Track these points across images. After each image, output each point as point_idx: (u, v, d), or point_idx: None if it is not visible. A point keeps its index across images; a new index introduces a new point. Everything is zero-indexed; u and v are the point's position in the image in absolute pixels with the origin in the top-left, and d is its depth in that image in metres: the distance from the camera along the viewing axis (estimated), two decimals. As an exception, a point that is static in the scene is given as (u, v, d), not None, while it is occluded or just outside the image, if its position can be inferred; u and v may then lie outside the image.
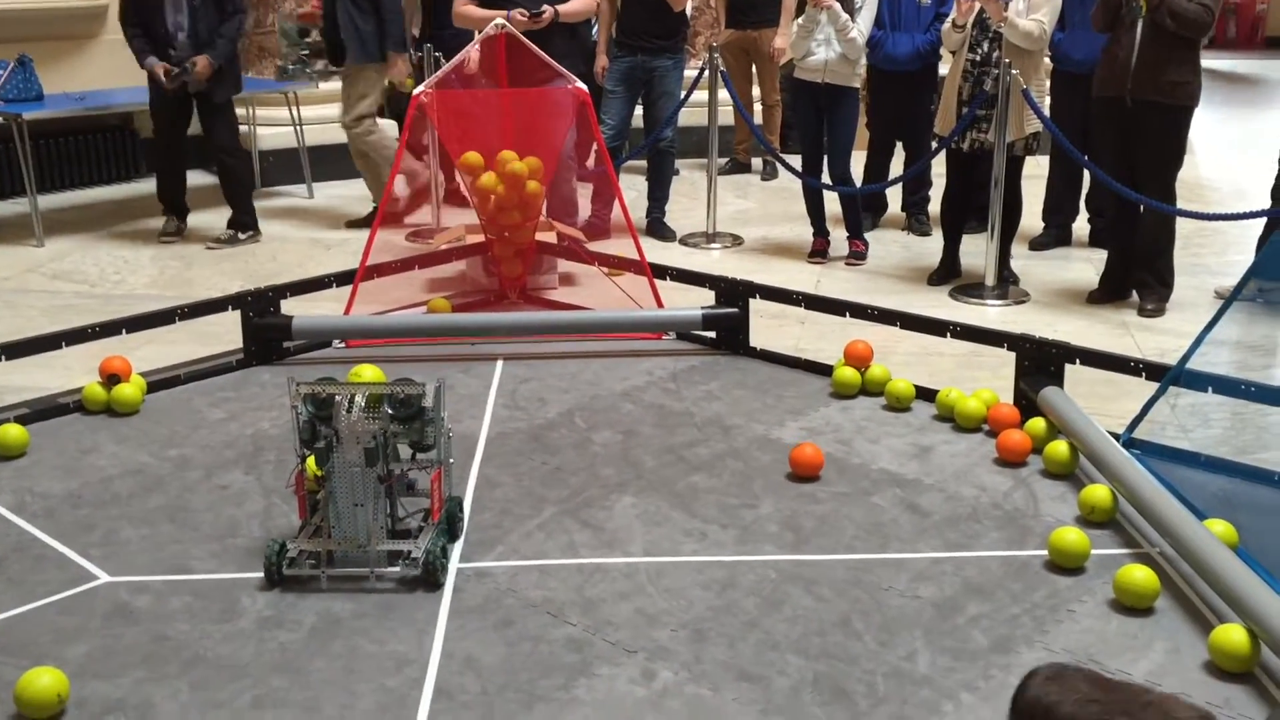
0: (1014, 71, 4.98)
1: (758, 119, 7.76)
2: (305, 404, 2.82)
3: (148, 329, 4.22)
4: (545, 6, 5.49)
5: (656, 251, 5.72)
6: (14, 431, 3.60)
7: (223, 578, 2.91)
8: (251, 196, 6.37)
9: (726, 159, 7.75)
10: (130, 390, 3.92)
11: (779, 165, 6.82)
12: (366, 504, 2.81)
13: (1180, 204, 5.02)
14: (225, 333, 4.44)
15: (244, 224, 6.23)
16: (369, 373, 3.70)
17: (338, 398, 2.80)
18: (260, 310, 4.32)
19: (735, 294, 4.46)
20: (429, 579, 2.83)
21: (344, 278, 4.72)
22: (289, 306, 4.46)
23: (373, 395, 2.82)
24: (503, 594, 2.83)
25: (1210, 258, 5.68)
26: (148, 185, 6.95)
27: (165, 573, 2.93)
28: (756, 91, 7.85)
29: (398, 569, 2.87)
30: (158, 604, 2.79)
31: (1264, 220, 4.83)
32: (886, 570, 2.93)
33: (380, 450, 2.79)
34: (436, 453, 2.90)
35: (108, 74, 6.95)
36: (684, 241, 6.25)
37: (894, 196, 6.42)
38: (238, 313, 4.31)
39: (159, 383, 4.10)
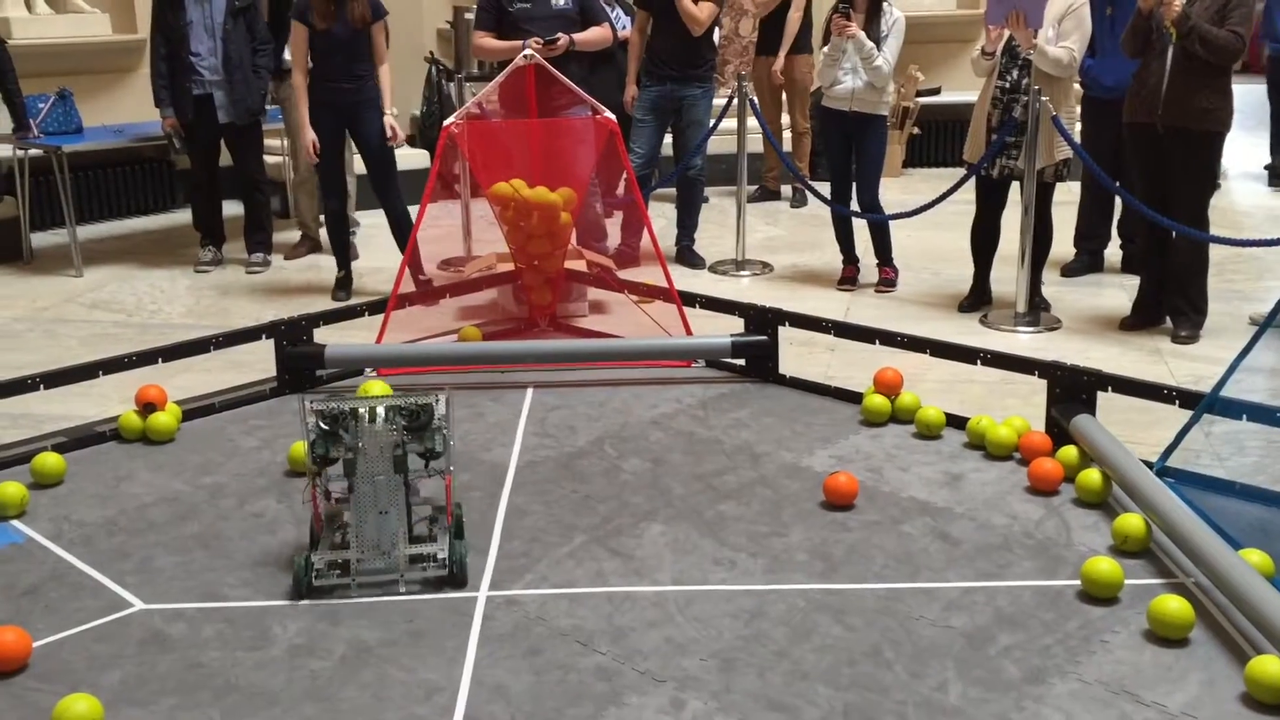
0: (1044, 98, 4.98)
1: (787, 146, 7.82)
2: (318, 421, 2.93)
3: (183, 358, 4.28)
4: (560, 35, 5.55)
5: (686, 279, 5.74)
6: (51, 460, 3.65)
7: (255, 605, 2.93)
8: (272, 226, 6.49)
9: (756, 186, 7.78)
10: (165, 419, 3.96)
11: (808, 192, 6.83)
12: (391, 511, 2.95)
13: (1213, 230, 4.99)
14: (259, 361, 4.49)
15: (267, 246, 6.37)
16: (377, 387, 3.98)
17: (361, 410, 2.93)
18: (293, 339, 4.37)
19: (764, 321, 4.47)
20: (457, 578, 2.97)
21: (376, 306, 4.77)
22: (322, 335, 4.51)
23: (390, 407, 2.96)
24: (532, 622, 2.84)
25: (1244, 284, 5.63)
26: (184, 216, 7.07)
27: (199, 600, 2.96)
28: (786, 119, 7.90)
29: (423, 572, 2.99)
30: (191, 631, 2.82)
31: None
32: (917, 599, 2.91)
33: (405, 459, 2.95)
34: (445, 459, 3.01)
35: (146, 107, 7.08)
36: (713, 269, 6.27)
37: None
38: (271, 341, 4.36)
39: (193, 411, 4.15)
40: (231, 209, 6.61)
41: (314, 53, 5.57)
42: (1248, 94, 8.26)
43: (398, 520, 2.97)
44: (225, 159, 6.44)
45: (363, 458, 2.92)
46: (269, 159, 6.89)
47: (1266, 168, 8.45)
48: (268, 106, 6.48)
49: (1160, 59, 4.79)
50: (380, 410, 2.95)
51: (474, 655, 2.71)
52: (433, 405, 2.98)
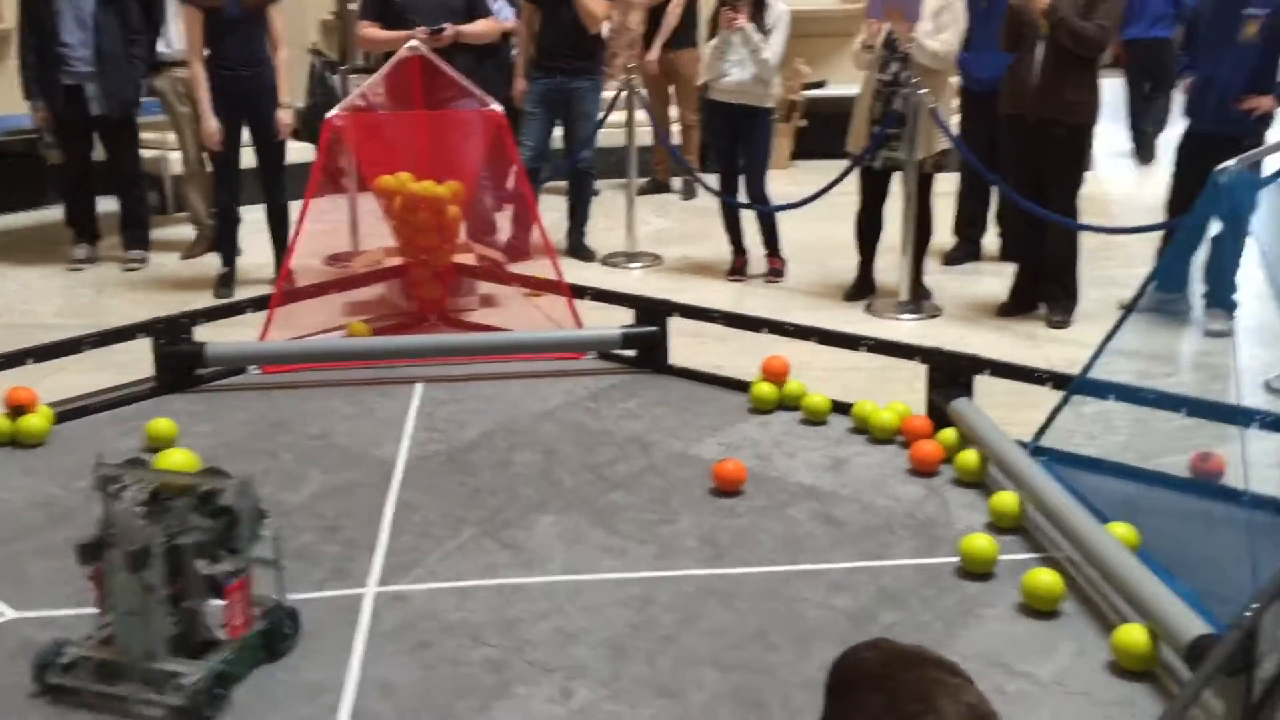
0: (923, 91, 5.10)
1: (677, 139, 7.87)
2: (103, 488, 2.46)
3: (55, 358, 4.14)
4: (446, 25, 5.50)
5: (577, 271, 5.74)
6: (-85, 466, 3.50)
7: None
8: (150, 221, 6.32)
9: (647, 179, 7.82)
10: (37, 421, 3.83)
11: (698, 184, 6.90)
12: (142, 613, 2.43)
13: (1084, 219, 5.17)
14: (137, 361, 4.36)
15: (144, 242, 6.19)
16: (178, 457, 3.42)
17: (110, 488, 2.44)
18: (172, 337, 4.26)
19: (654, 313, 4.50)
20: (193, 713, 2.39)
21: (260, 302, 4.67)
22: (203, 333, 4.40)
23: (169, 486, 2.47)
24: (420, 617, 2.82)
25: (1115, 270, 5.85)
26: (56, 213, 6.82)
27: (72, 607, 2.86)
28: (675, 112, 7.96)
29: (164, 694, 2.42)
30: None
31: (1161, 233, 4.98)
32: (803, 582, 2.97)
33: (147, 553, 2.39)
34: (242, 558, 2.51)
35: (13, 100, 6.81)
36: (605, 261, 6.28)
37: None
38: (148, 340, 4.24)
39: (67, 413, 4.01)
40: (106, 205, 6.41)
41: (208, 37, 5.43)
42: (1115, 88, 8.66)
43: (143, 626, 2.43)
44: (99, 153, 6.23)
45: (113, 544, 2.41)
46: (146, 153, 6.69)
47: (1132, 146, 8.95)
48: (144, 99, 6.29)
49: (1032, 53, 4.95)
50: (132, 491, 2.42)
51: (361, 653, 2.68)
52: (220, 490, 2.47)
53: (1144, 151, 9.07)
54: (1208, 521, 3.16)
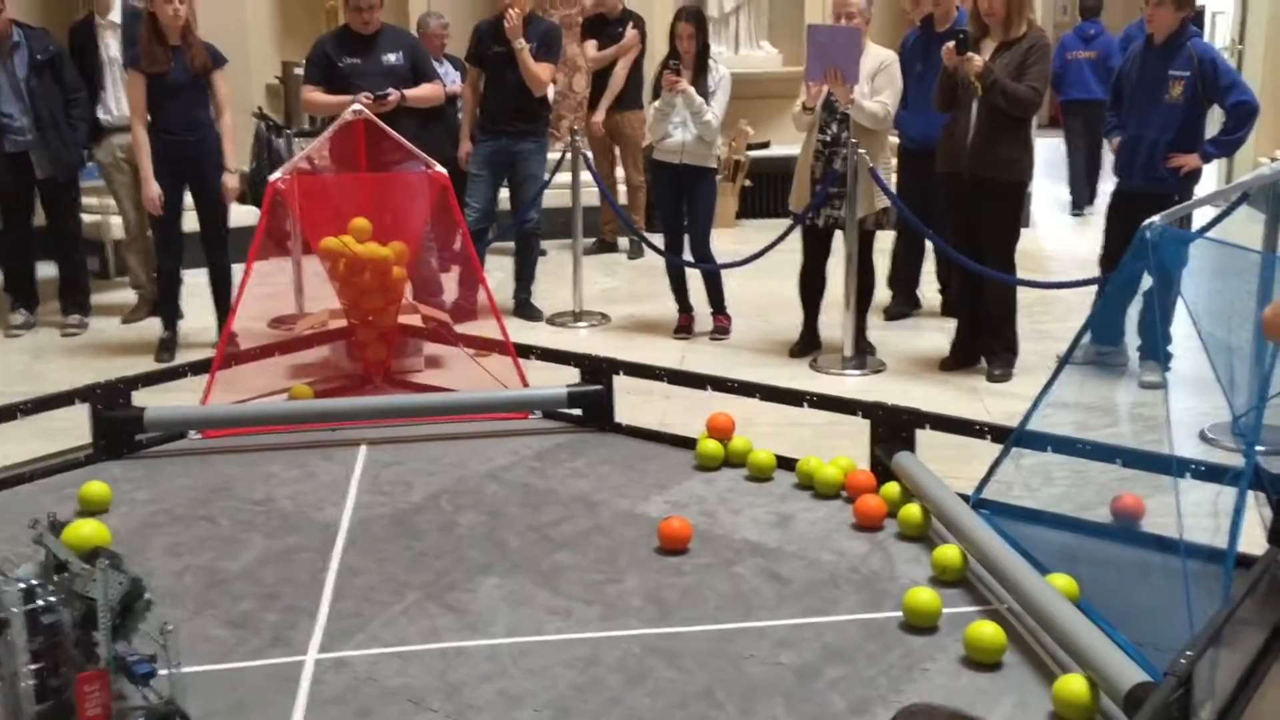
0: (861, 151, 5.21)
1: (622, 199, 7.95)
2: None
3: (-11, 426, 4.06)
4: (391, 90, 5.54)
5: (524, 332, 5.76)
6: None
7: (65, 683, 2.78)
8: (89, 286, 6.26)
9: (593, 239, 7.88)
10: (-30, 490, 3.75)
11: (644, 244, 6.95)
12: (5, 682, 2.32)
13: (1021, 273, 5.28)
14: (75, 428, 4.29)
15: (84, 308, 6.13)
16: (86, 529, 3.30)
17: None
18: (110, 403, 4.20)
19: (599, 371, 4.51)
20: None
21: (200, 366, 4.63)
22: (143, 398, 4.35)
23: (48, 564, 2.37)
24: (362, 683, 2.78)
25: (1052, 324, 5.97)
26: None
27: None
28: (620, 173, 8.05)
29: None
30: (-7, 714, 2.65)
31: (1096, 287, 5.09)
32: (748, 639, 2.96)
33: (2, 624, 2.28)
34: (103, 648, 2.35)
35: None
36: (551, 321, 6.30)
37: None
38: (86, 406, 4.18)
39: (2, 481, 3.93)
40: (45, 270, 6.33)
41: (151, 102, 5.42)
42: (1047, 146, 8.93)
43: (4, 693, 2.32)
44: (39, 218, 6.18)
45: None
46: (87, 217, 6.64)
47: (1071, 209, 9.30)
48: (87, 163, 6.26)
49: (967, 113, 5.08)
50: (8, 563, 2.36)
51: (301, 721, 2.63)
52: (80, 576, 2.34)
53: (1078, 202, 9.56)
54: (1144, 571, 3.20)
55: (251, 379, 4.76)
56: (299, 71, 6.34)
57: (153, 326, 5.95)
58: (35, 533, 2.42)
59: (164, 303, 5.75)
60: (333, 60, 5.67)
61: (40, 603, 2.30)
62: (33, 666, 2.31)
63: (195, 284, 5.94)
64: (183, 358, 5.39)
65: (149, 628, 2.43)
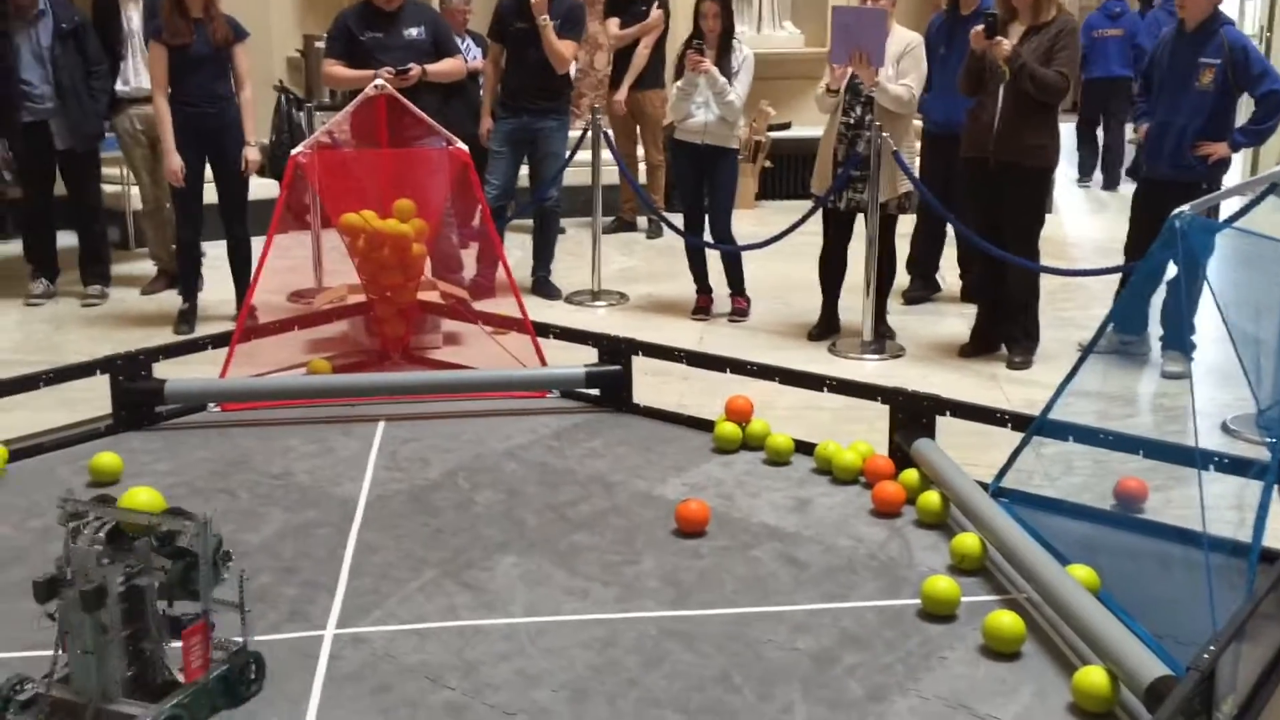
0: (885, 134, 5.17)
1: (642, 179, 7.92)
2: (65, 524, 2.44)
3: (10, 395, 4.07)
4: (412, 65, 5.52)
5: (542, 310, 5.75)
6: None
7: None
8: (110, 257, 6.27)
9: (612, 218, 7.86)
10: (-10, 459, 3.77)
11: (663, 224, 6.93)
12: (99, 653, 2.39)
13: (1044, 260, 5.24)
14: (95, 398, 4.31)
15: (105, 278, 6.15)
16: (144, 496, 3.23)
17: (70, 524, 2.42)
18: (131, 374, 4.21)
19: (618, 351, 4.50)
20: None
21: (220, 339, 4.64)
22: (163, 370, 4.36)
23: (131, 526, 2.43)
24: (380, 659, 2.78)
25: (1075, 311, 5.93)
26: (14, 248, 6.75)
27: (25, 649, 2.80)
28: (641, 151, 8.01)
29: None
30: (14, 683, 2.66)
31: (1120, 275, 5.06)
32: (765, 623, 2.95)
33: (104, 594, 2.36)
34: (204, 601, 2.47)
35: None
36: (569, 300, 6.29)
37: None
38: (106, 377, 4.19)
39: (21, 451, 3.95)
40: (65, 240, 6.35)
41: (173, 74, 5.41)
42: (1068, 131, 8.88)
43: (98, 666, 2.39)
44: (60, 188, 6.19)
45: (70, 583, 2.37)
46: (107, 188, 6.65)
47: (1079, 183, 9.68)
48: (106, 134, 6.26)
49: (993, 97, 5.03)
50: (90, 529, 2.39)
51: (319, 696, 2.63)
52: (178, 532, 2.43)
53: (1085, 175, 9.96)
54: (1166, 563, 3.19)
55: (270, 352, 4.76)
56: (320, 45, 6.31)
57: (171, 298, 5.96)
58: (80, 507, 2.46)
59: (183, 275, 5.76)
60: (354, 34, 5.64)
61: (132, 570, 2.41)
62: (125, 633, 2.42)
63: (214, 256, 5.94)
64: (201, 330, 5.41)
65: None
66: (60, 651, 2.46)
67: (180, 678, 2.50)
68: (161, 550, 2.44)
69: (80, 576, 2.37)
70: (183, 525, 2.45)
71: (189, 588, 2.45)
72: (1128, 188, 9.14)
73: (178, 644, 2.49)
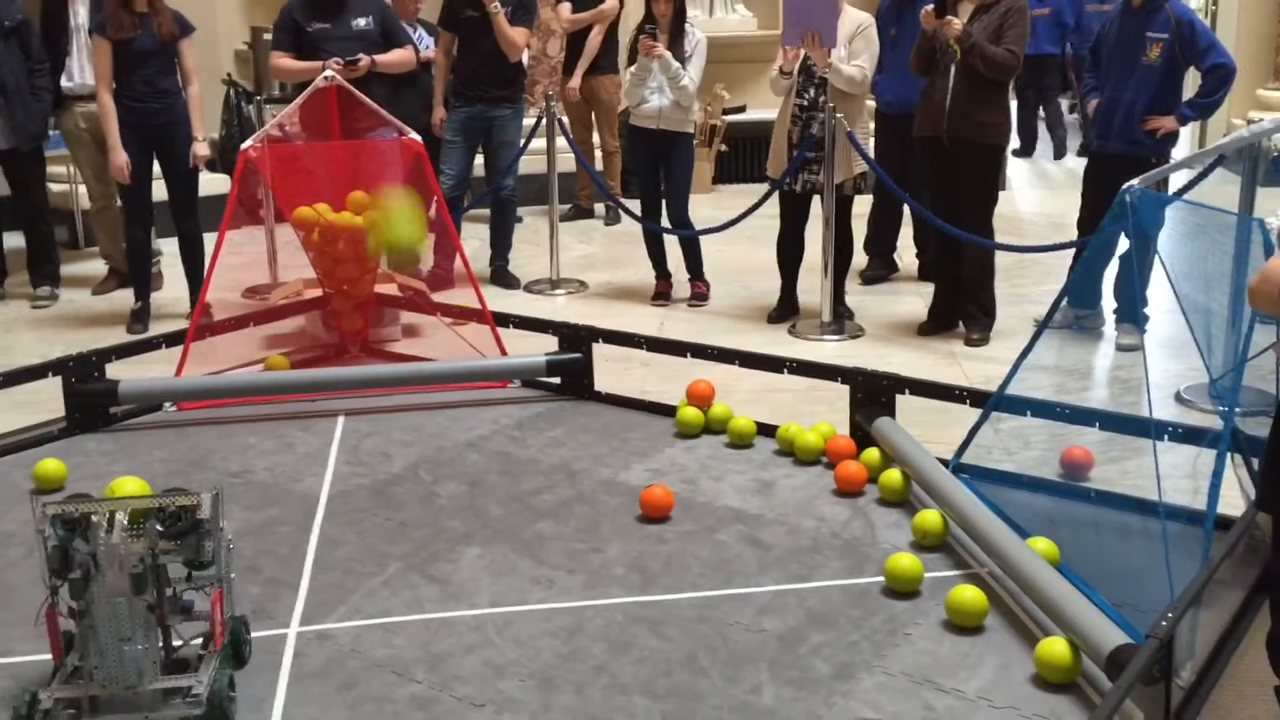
0: (839, 115, 5.18)
1: (598, 165, 7.89)
2: (55, 527, 2.42)
3: (-40, 400, 4.01)
4: (361, 55, 5.46)
5: (501, 300, 5.72)
6: None
7: (45, 659, 2.75)
8: (58, 257, 6.19)
9: (569, 205, 7.83)
10: (-59, 466, 3.70)
11: (620, 210, 6.92)
12: (136, 638, 2.41)
13: (999, 238, 5.28)
14: (47, 400, 4.24)
15: (54, 279, 6.05)
16: (130, 485, 3.32)
17: (94, 517, 2.42)
18: (83, 376, 4.15)
19: (578, 339, 4.49)
20: (216, 716, 2.44)
21: (175, 338, 4.58)
22: (116, 370, 4.30)
23: (137, 510, 2.46)
24: (345, 655, 2.77)
25: (1029, 287, 5.98)
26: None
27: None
28: (596, 138, 7.98)
29: (176, 710, 2.44)
30: (-28, 692, 2.63)
31: (1073, 250, 5.10)
32: (731, 606, 2.97)
33: (148, 574, 2.42)
34: (216, 569, 2.54)
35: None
36: (528, 289, 6.26)
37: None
38: (59, 379, 4.12)
39: (-26, 456, 3.89)
40: (12, 241, 6.24)
41: (118, 69, 5.32)
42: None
43: (144, 648, 2.43)
44: (3, 188, 6.08)
45: (99, 574, 2.39)
46: (54, 187, 6.54)
47: (1013, 151, 9.71)
48: (50, 132, 6.15)
49: (944, 76, 5.05)
50: (121, 515, 2.43)
51: (284, 694, 2.62)
52: (194, 506, 2.49)
53: (1026, 147, 10.17)
54: (1124, 533, 3.23)
55: (226, 350, 4.71)
56: (268, 37, 6.23)
57: (124, 297, 5.88)
58: (84, 509, 2.46)
59: (134, 273, 5.68)
60: (301, 25, 5.58)
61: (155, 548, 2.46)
62: (156, 613, 2.49)
63: (168, 254, 5.85)
64: (155, 329, 5.33)
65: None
66: (68, 651, 2.51)
67: (186, 650, 2.59)
68: (169, 528, 2.48)
69: (111, 565, 2.39)
70: (197, 498, 2.51)
71: (202, 559, 2.52)
72: (1075, 162, 9.27)
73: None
